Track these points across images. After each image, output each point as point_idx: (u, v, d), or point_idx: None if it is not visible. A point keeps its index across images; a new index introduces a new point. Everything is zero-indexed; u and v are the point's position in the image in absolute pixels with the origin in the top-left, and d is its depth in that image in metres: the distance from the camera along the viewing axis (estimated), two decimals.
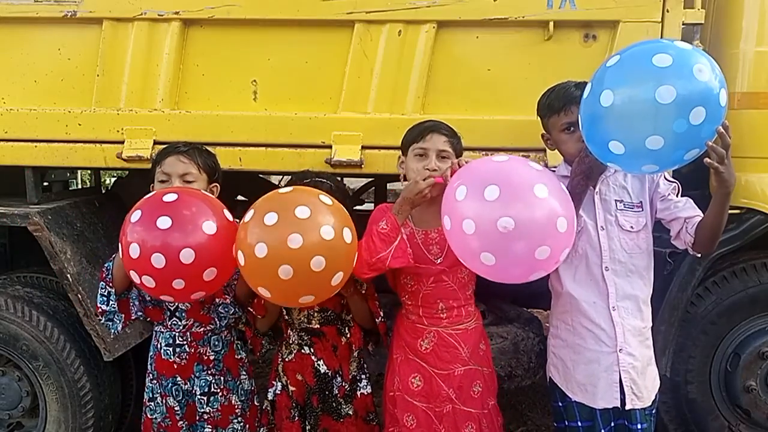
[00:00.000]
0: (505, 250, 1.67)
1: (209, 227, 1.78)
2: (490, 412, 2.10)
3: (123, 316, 2.07)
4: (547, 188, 1.66)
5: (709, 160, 1.70)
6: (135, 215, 1.79)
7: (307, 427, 2.14)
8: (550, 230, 1.65)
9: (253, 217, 1.74)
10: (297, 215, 1.69)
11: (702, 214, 1.94)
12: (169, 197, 1.82)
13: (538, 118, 2.10)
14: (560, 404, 2.10)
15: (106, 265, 2.03)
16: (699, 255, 2.13)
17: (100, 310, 2.05)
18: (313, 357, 2.13)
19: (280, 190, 1.86)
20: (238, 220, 2.08)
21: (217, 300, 2.10)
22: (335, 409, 2.14)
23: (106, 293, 2.03)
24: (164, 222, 1.73)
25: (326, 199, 1.80)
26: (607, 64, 1.73)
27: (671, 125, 1.58)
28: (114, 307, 2.03)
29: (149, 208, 1.79)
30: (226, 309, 2.12)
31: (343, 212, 1.81)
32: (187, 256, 1.72)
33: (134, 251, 1.74)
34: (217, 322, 2.13)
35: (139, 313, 2.10)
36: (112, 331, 2.11)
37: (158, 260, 1.72)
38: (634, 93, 1.62)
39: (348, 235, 1.76)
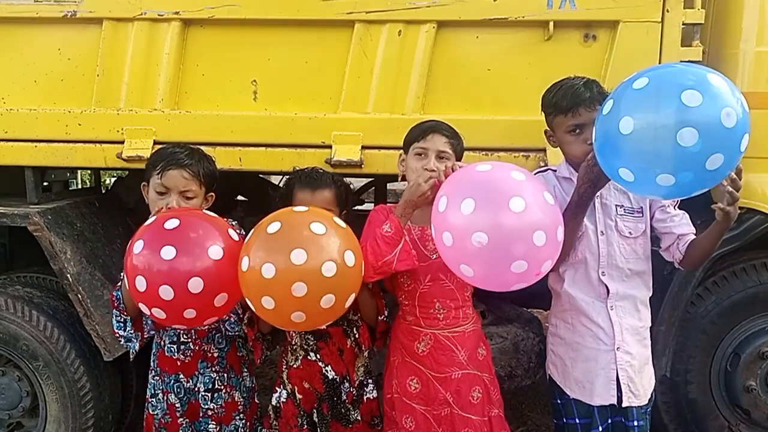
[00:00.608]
0: (482, 264, 1.67)
1: (215, 252, 1.73)
2: (490, 421, 2.04)
3: (139, 334, 2.06)
4: (525, 201, 1.62)
5: (716, 205, 1.72)
6: (138, 246, 1.73)
7: None
8: (526, 245, 1.62)
9: (250, 267, 1.66)
10: (294, 261, 1.61)
11: (694, 233, 1.96)
12: (171, 224, 1.75)
13: (542, 114, 2.06)
14: (559, 401, 2.11)
15: (115, 294, 2.00)
16: (684, 269, 2.14)
17: (117, 335, 2.05)
18: (320, 363, 2.11)
19: (268, 229, 1.70)
20: (228, 220, 2.07)
21: (223, 317, 2.06)
22: (344, 416, 2.13)
23: (122, 320, 2.01)
24: (168, 252, 1.68)
25: (318, 227, 1.68)
26: (634, 85, 1.63)
27: (685, 168, 1.54)
28: (131, 333, 2.03)
29: (151, 238, 1.74)
30: (232, 327, 2.09)
31: (342, 234, 1.73)
32: (195, 285, 1.68)
33: (141, 284, 1.70)
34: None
35: (152, 332, 2.10)
36: (132, 350, 2.11)
37: (166, 292, 1.68)
38: (656, 129, 1.54)
39: (350, 258, 1.69)
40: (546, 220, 1.66)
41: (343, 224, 1.79)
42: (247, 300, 1.74)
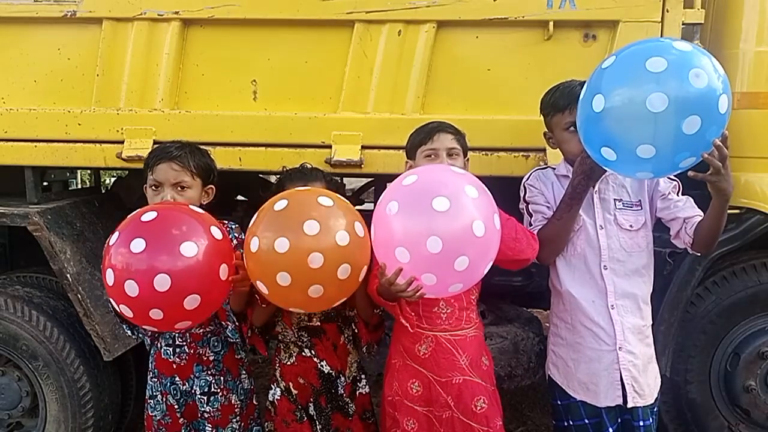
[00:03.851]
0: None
1: (189, 249, 1.60)
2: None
3: (144, 331, 2.07)
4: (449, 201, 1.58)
5: (693, 172, 1.67)
6: (113, 237, 1.65)
7: (318, 427, 2.12)
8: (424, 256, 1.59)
9: (261, 246, 1.61)
10: (307, 233, 1.58)
11: (702, 214, 1.94)
12: (148, 216, 1.67)
13: (541, 117, 2.10)
14: (559, 402, 2.11)
15: (111, 303, 2.01)
16: (699, 254, 2.12)
17: (128, 333, 2.08)
18: (315, 359, 2.11)
19: (275, 207, 1.68)
20: (227, 223, 2.06)
21: (223, 323, 2.06)
22: (342, 408, 2.14)
23: (125, 327, 2.05)
24: (138, 245, 1.57)
25: (325, 200, 1.70)
26: (603, 65, 1.68)
27: (663, 135, 1.52)
28: (137, 330, 2.06)
29: (125, 229, 1.65)
30: (233, 334, 2.06)
31: (347, 206, 1.75)
32: (161, 282, 1.55)
33: (109, 277, 1.61)
34: (217, 325, 2.13)
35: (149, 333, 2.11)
36: (147, 340, 2.12)
37: (131, 288, 1.57)
38: (625, 99, 1.56)
39: (360, 229, 1.69)
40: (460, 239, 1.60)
41: (344, 200, 1.80)
42: (258, 284, 1.67)
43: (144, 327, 1.72)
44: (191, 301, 1.63)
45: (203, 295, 1.65)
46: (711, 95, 1.52)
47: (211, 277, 1.66)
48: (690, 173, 1.66)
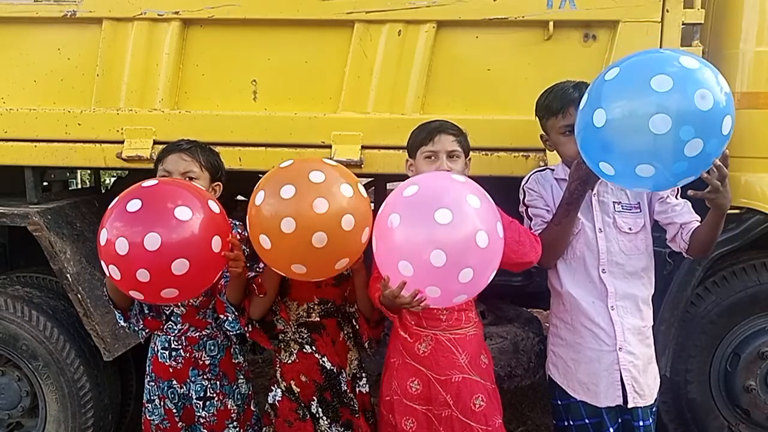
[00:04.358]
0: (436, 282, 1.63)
1: (183, 213, 1.61)
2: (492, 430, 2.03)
3: (141, 323, 2.07)
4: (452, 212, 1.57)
5: (693, 191, 1.66)
6: (113, 202, 1.68)
7: (326, 421, 2.11)
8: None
9: (267, 195, 1.65)
10: (313, 180, 1.62)
11: (699, 219, 1.94)
12: (149, 182, 1.71)
13: (537, 119, 2.10)
14: (559, 402, 2.11)
15: (105, 290, 2.01)
16: (694, 258, 2.12)
17: (120, 325, 2.09)
18: (317, 355, 2.10)
19: (282, 165, 1.76)
20: (231, 220, 2.07)
21: (221, 317, 2.05)
22: (348, 404, 2.13)
23: (117, 314, 2.04)
24: (134, 205, 1.60)
25: (330, 161, 1.77)
26: (606, 76, 1.63)
27: (664, 156, 1.49)
28: (134, 325, 2.06)
29: (126, 194, 1.67)
30: (232, 325, 2.05)
31: (349, 172, 1.78)
32: (152, 241, 1.55)
33: (102, 237, 1.63)
34: (214, 328, 2.12)
35: (142, 328, 2.10)
36: (140, 334, 2.11)
37: (122, 245, 1.57)
38: (627, 117, 1.51)
39: (362, 190, 1.73)
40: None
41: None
42: (261, 239, 1.66)
43: (130, 293, 1.70)
44: (179, 266, 1.60)
45: (192, 262, 1.62)
46: (715, 117, 1.48)
47: (203, 246, 1.65)
48: (690, 192, 1.66)
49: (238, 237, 2.00)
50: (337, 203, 1.62)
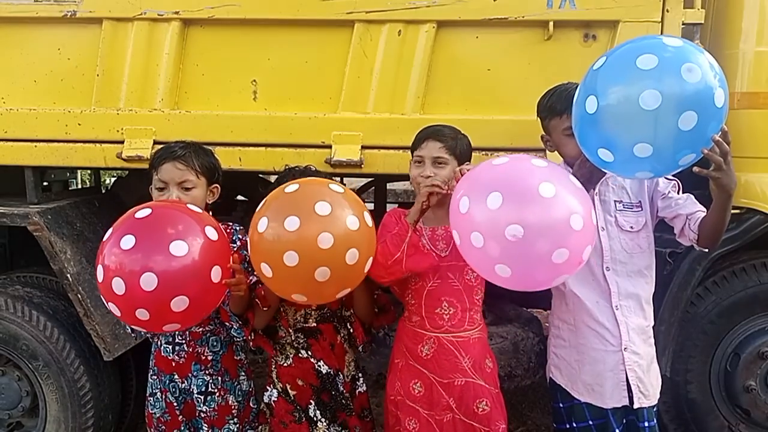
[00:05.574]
0: (519, 259, 1.56)
1: (178, 249, 1.56)
2: None
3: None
4: (554, 186, 1.54)
5: (698, 168, 1.64)
6: (107, 234, 1.64)
7: (324, 423, 2.11)
8: (564, 230, 1.52)
9: (271, 224, 1.60)
10: (318, 213, 1.57)
11: (704, 209, 1.93)
12: (142, 213, 1.65)
13: (538, 120, 2.10)
14: (561, 405, 2.10)
15: None
16: (706, 250, 2.10)
17: (128, 331, 2.09)
18: (312, 359, 2.11)
19: (286, 189, 1.71)
20: (232, 225, 2.06)
21: (226, 324, 2.05)
22: (344, 405, 2.14)
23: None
24: (127, 241, 1.55)
25: (336, 187, 1.72)
26: (594, 66, 1.66)
27: (659, 132, 1.50)
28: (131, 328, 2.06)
29: (119, 226, 1.64)
30: (238, 333, 2.04)
31: (356, 197, 1.77)
32: (148, 281, 1.51)
33: (99, 274, 1.59)
34: (217, 324, 2.13)
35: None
36: (142, 332, 2.09)
37: (118, 285, 1.54)
38: (618, 99, 1.54)
39: (368, 218, 1.71)
40: (580, 203, 1.58)
41: (354, 193, 1.80)
42: (263, 267, 1.63)
43: (133, 327, 1.69)
44: (179, 303, 1.58)
45: (192, 297, 1.60)
46: (706, 90, 1.49)
47: (202, 279, 1.61)
48: (695, 169, 1.64)
49: (239, 243, 2.01)
50: (342, 238, 1.59)
